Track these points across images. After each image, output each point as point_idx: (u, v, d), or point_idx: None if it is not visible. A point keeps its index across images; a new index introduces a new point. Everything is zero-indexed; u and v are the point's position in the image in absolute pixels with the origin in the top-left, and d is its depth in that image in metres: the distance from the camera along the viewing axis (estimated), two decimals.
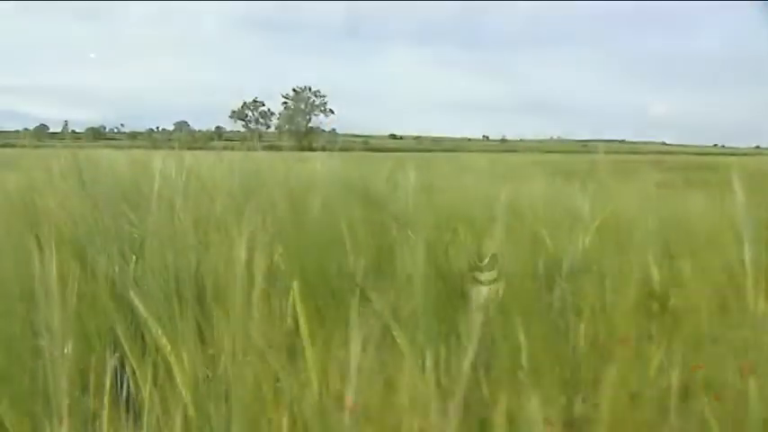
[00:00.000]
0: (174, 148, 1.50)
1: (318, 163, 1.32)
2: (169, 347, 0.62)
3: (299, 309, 0.68)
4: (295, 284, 0.69)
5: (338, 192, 0.97)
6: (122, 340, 0.64)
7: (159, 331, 0.61)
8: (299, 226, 0.82)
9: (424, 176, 1.15)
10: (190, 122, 37.07)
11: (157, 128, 36.49)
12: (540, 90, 68.00)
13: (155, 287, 0.62)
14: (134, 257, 0.86)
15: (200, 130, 35.47)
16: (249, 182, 1.08)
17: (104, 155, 1.57)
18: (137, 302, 0.62)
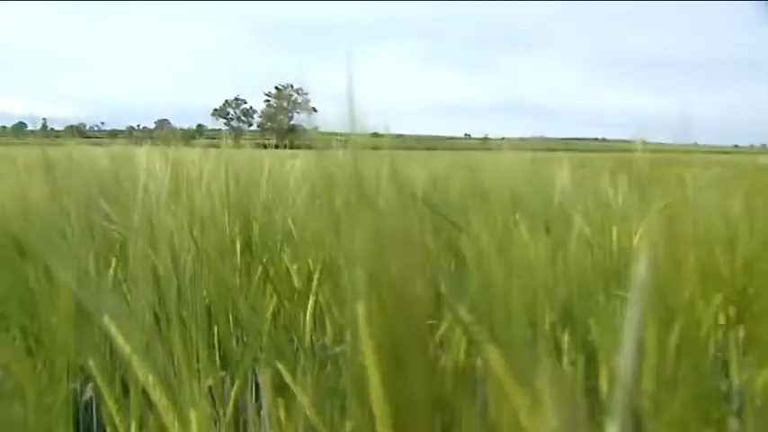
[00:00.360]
0: (157, 144, 1.44)
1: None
2: (166, 403, 0.39)
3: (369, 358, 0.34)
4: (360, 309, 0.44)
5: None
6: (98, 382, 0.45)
7: (150, 379, 0.39)
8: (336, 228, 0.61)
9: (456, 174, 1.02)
10: (171, 121, 36.81)
11: (138, 126, 36.20)
12: (521, 89, 68.30)
13: (140, 306, 0.42)
14: (113, 261, 0.73)
15: (181, 128, 35.21)
16: (247, 178, 0.96)
17: (82, 150, 1.48)
18: (114, 332, 0.40)
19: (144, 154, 1.07)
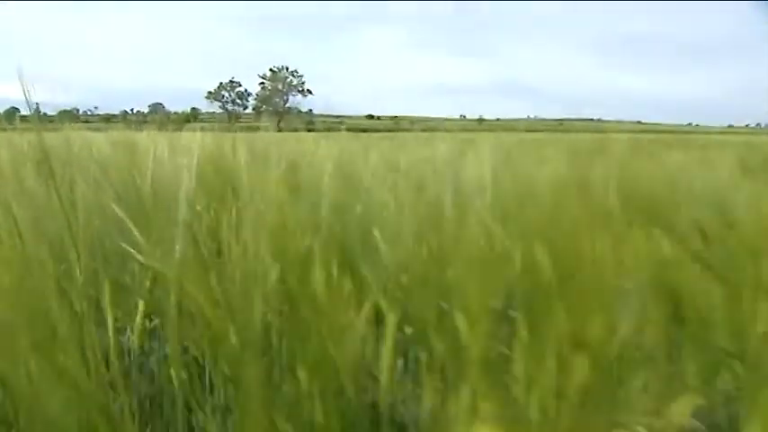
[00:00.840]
0: (156, 128, 1.34)
1: (329, 146, 1.03)
2: None
3: None
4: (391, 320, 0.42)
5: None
6: None
7: None
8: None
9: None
10: (165, 104, 36.60)
11: (132, 110, 35.99)
12: (515, 70, 68.02)
13: None
14: (140, 304, 0.55)
15: (175, 112, 35.01)
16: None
17: (80, 135, 1.28)
18: None
19: (149, 140, 0.95)
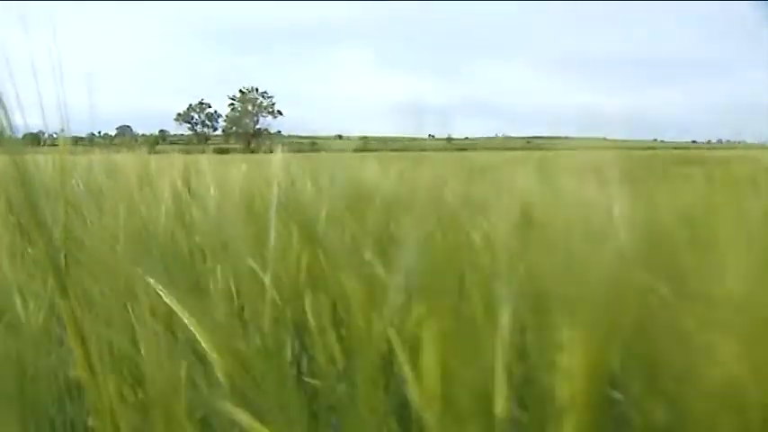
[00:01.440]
0: (131, 149, 1.29)
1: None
2: None
3: None
4: None
5: None
6: None
7: None
8: None
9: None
10: (132, 126, 36.28)
11: (99, 133, 35.58)
12: (482, 90, 69.00)
13: None
14: None
15: (143, 134, 34.71)
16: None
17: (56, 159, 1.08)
18: None
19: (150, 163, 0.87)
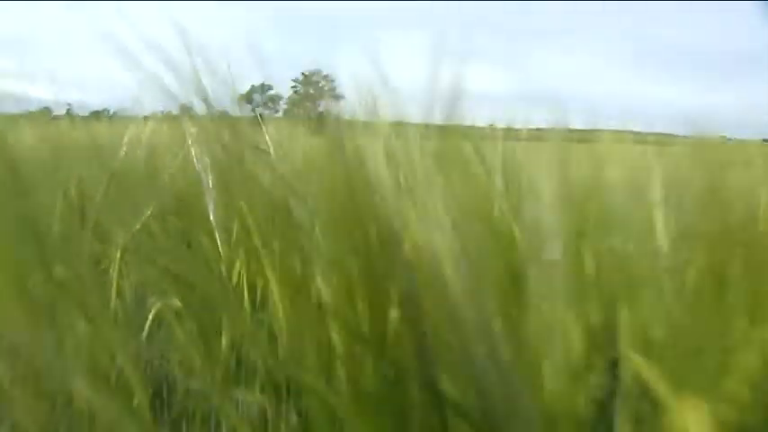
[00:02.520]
0: None
1: None
2: None
3: None
4: None
5: None
6: None
7: None
8: None
9: None
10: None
11: (163, 111, 36.47)
12: (545, 80, 67.66)
13: None
14: None
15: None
16: None
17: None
18: None
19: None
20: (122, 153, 0.74)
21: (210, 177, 0.55)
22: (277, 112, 35.06)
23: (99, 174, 0.69)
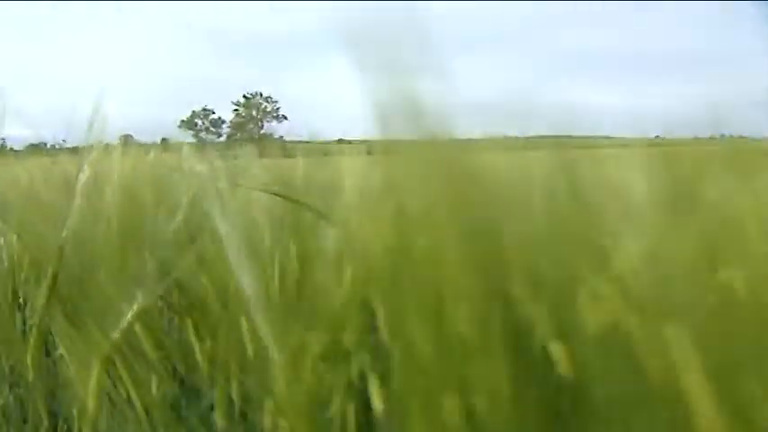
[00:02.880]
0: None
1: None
2: None
3: None
4: None
5: None
6: None
7: None
8: None
9: None
10: (133, 135, 36.31)
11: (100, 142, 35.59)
12: (476, 89, 68.61)
13: None
14: None
15: (144, 143, 34.75)
16: None
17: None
18: None
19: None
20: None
21: None
22: (220, 136, 34.67)
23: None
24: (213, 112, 36.44)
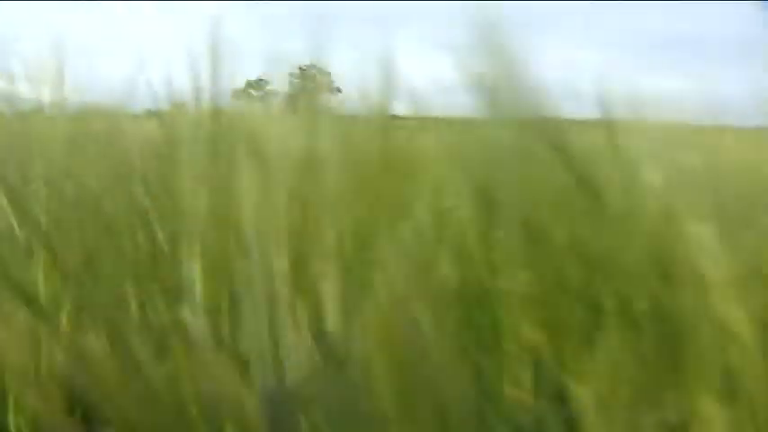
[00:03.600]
0: None
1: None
2: None
3: None
4: None
5: None
6: None
7: None
8: None
9: None
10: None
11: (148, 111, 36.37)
12: (541, 71, 67.48)
13: None
14: None
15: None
16: None
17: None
18: None
19: None
20: None
21: None
22: None
23: None
24: (268, 83, 36.61)
